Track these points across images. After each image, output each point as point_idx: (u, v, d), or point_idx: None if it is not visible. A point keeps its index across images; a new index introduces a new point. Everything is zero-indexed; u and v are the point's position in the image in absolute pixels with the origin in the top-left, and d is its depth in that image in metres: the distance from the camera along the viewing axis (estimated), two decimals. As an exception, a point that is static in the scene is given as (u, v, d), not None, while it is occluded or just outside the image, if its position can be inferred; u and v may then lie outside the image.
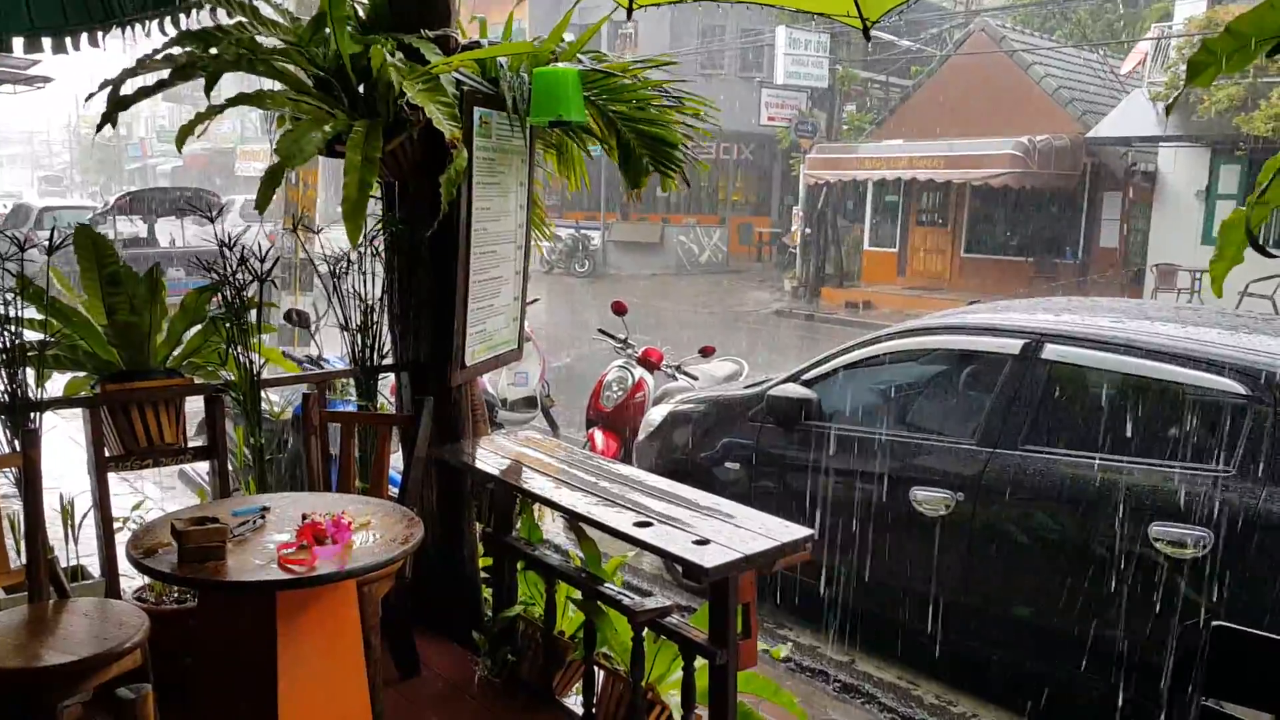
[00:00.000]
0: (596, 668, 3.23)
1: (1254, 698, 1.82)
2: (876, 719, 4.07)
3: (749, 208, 28.10)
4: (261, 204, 2.80)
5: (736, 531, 2.73)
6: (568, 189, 4.34)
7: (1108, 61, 20.13)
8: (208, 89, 3.05)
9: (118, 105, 3.07)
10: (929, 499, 4.24)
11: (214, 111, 3.15)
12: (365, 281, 3.72)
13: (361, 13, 3.43)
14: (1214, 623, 1.87)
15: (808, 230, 20.51)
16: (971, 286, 18.69)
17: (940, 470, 4.27)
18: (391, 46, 3.11)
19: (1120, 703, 3.76)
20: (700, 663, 2.79)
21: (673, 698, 3.09)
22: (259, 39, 3.17)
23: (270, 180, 2.87)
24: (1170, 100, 15.13)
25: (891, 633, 4.60)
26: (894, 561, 4.38)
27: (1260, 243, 1.56)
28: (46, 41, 3.40)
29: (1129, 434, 3.89)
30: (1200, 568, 3.49)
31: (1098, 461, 3.86)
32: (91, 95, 3.19)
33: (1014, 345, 4.27)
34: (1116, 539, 3.70)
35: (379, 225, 3.69)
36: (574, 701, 3.42)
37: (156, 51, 3.12)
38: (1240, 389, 3.60)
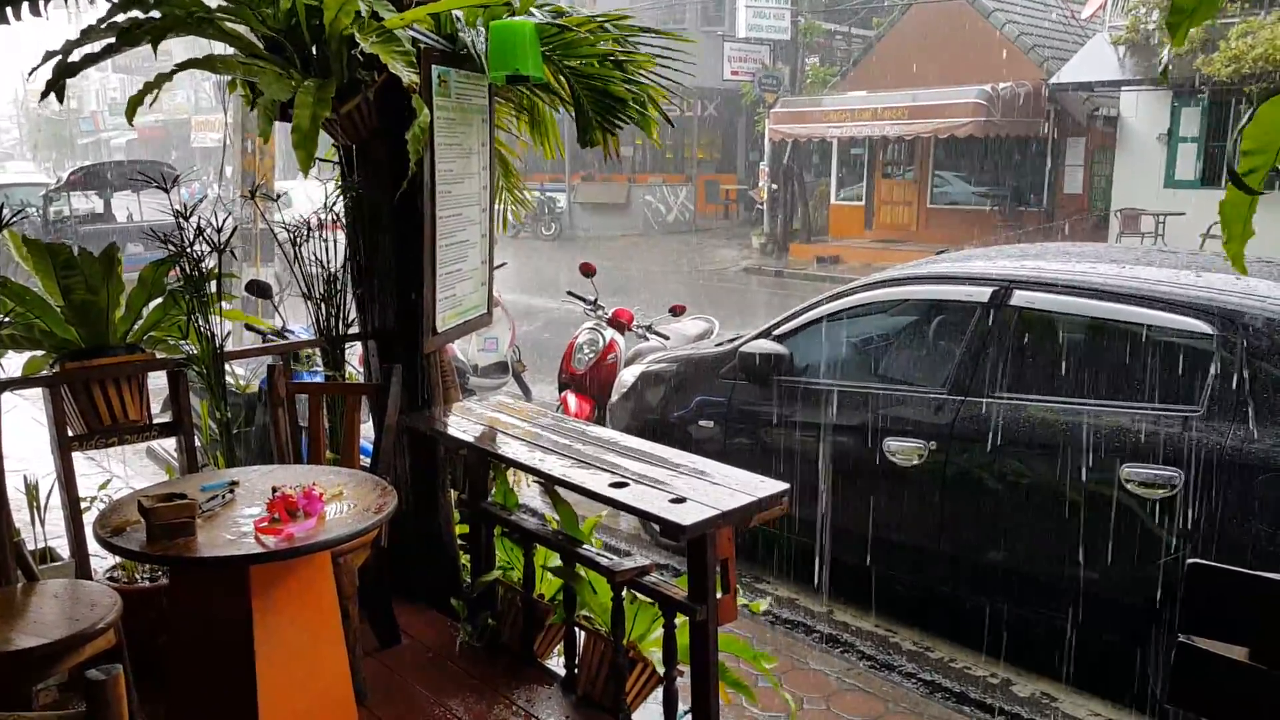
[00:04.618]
0: (577, 629, 3.23)
1: (1229, 632, 1.83)
2: (856, 667, 4.11)
3: (715, 165, 27.95)
4: (265, 134, 3.04)
5: (712, 488, 2.73)
6: (543, 155, 4.25)
7: (1069, 6, 20.10)
8: (155, 43, 2.96)
9: (63, 73, 2.98)
10: (902, 449, 4.26)
11: (163, 79, 3.06)
12: (327, 249, 3.66)
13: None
14: (1189, 560, 1.89)
15: (774, 186, 20.45)
16: (939, 237, 18.72)
17: (912, 420, 4.28)
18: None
19: (1096, 642, 3.83)
20: (681, 620, 2.79)
21: (654, 655, 3.10)
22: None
23: (266, 113, 2.97)
24: (1163, 67, 15.07)
25: (869, 582, 4.64)
26: (869, 512, 4.41)
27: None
28: (-14, 13, 3.28)
29: (1098, 377, 3.92)
30: (1171, 507, 3.53)
31: (1068, 406, 3.89)
32: (35, 69, 3.09)
33: (982, 293, 4.27)
34: (1088, 481, 3.74)
35: (339, 192, 3.62)
36: (556, 663, 3.42)
37: (101, 21, 3.02)
38: (1206, 328, 3.63)
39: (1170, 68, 14.30)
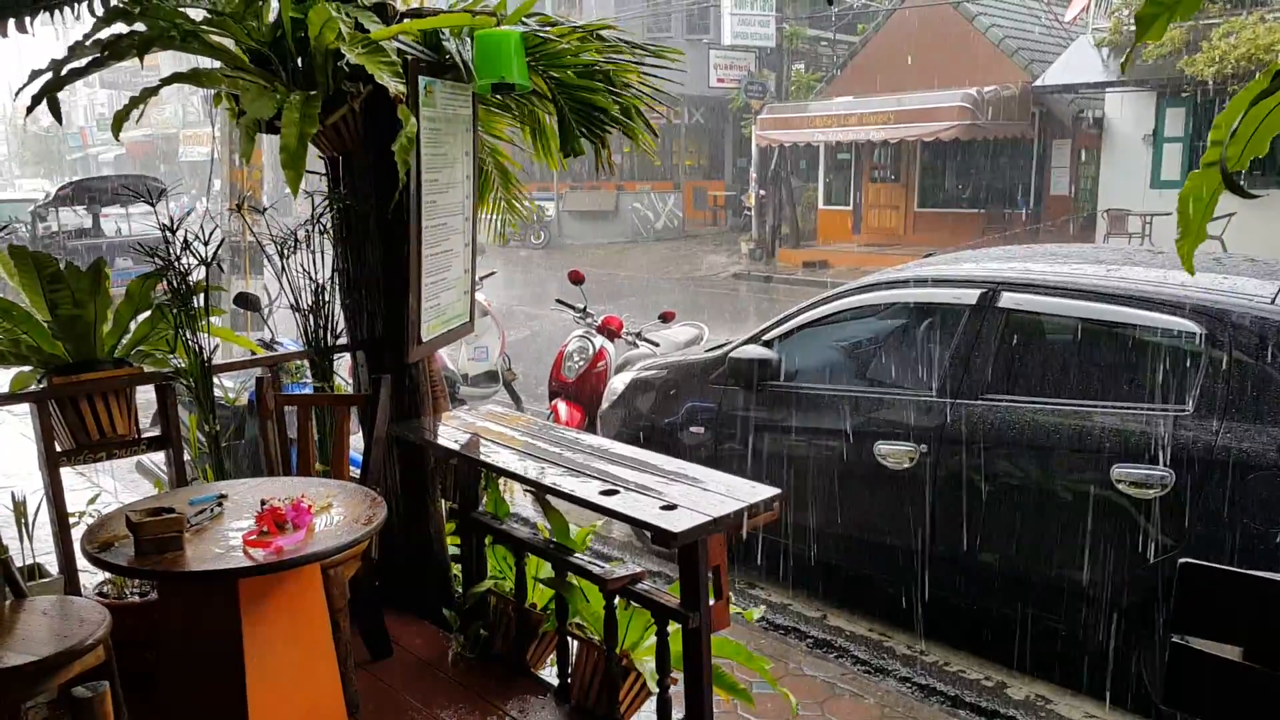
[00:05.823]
0: (570, 638, 3.22)
1: (1221, 632, 1.84)
2: (850, 672, 4.10)
3: (703, 172, 27.98)
4: (246, 154, 2.93)
5: (703, 495, 2.72)
6: (545, 165, 4.23)
7: (1052, 9, 20.21)
8: (141, 56, 2.96)
9: (51, 86, 2.97)
10: (893, 452, 4.26)
11: (148, 94, 3.06)
12: (315, 260, 3.64)
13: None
14: (1181, 559, 1.89)
15: (762, 192, 20.49)
16: (926, 240, 18.77)
17: (903, 423, 4.29)
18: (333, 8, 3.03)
19: (1090, 643, 3.83)
20: (674, 627, 2.78)
21: (648, 664, 3.09)
22: (190, 12, 3.07)
23: (248, 132, 2.94)
24: (1125, 56, 15.14)
25: (862, 587, 4.64)
26: (861, 516, 4.41)
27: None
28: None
29: (1088, 378, 3.93)
30: (1162, 506, 3.54)
31: (1058, 407, 3.90)
32: (21, 89, 3.09)
33: (971, 295, 4.28)
34: (1079, 482, 3.74)
35: (326, 202, 3.61)
36: (549, 673, 3.41)
37: (87, 36, 3.02)
38: (1195, 328, 3.64)
39: (1135, 60, 14.23)
